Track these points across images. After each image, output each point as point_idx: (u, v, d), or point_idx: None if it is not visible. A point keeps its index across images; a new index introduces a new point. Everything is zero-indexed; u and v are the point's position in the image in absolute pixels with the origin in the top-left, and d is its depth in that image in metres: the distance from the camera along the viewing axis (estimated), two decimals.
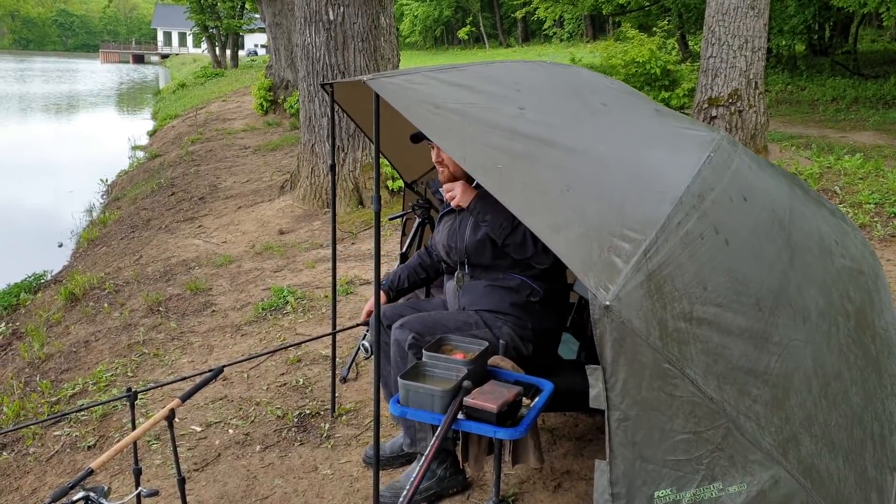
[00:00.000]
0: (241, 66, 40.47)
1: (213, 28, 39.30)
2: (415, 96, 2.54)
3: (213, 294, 5.82)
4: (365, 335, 3.66)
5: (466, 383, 2.45)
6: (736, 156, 2.70)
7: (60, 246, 9.82)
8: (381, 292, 3.31)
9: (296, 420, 3.81)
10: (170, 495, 3.21)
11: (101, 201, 12.61)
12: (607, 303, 2.11)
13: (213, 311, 5.47)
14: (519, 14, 34.17)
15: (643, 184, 2.42)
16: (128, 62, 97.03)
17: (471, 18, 50.36)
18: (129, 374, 4.58)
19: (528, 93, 2.66)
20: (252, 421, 3.84)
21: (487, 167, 2.35)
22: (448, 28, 55.63)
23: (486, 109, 2.52)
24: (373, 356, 3.16)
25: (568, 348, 3.65)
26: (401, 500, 2.31)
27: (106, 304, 5.97)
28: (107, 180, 14.19)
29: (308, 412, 3.87)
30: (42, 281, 7.69)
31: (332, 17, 7.54)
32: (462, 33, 48.38)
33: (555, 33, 43.36)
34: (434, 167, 4.55)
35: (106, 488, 2.36)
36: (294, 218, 7.63)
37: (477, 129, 2.45)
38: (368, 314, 3.37)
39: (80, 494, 2.30)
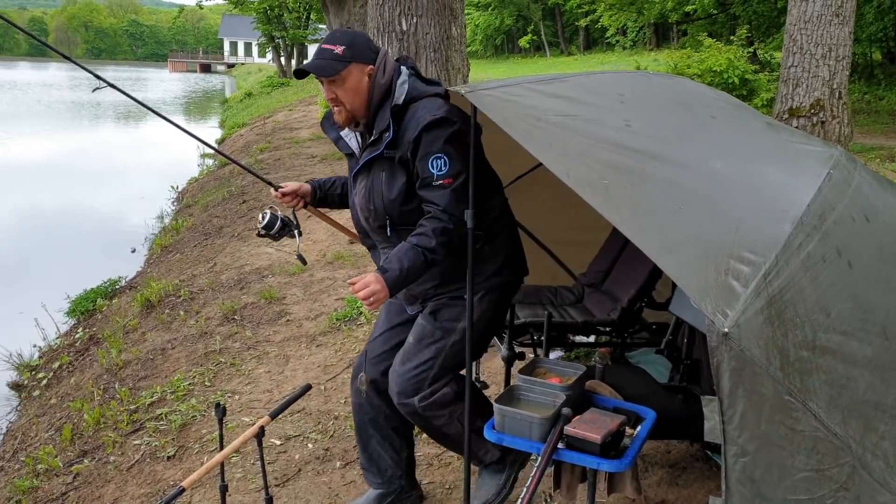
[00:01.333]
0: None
1: (278, 38, 39.96)
2: (514, 109, 2.44)
3: (287, 303, 5.81)
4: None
5: (566, 410, 2.33)
6: (856, 173, 2.53)
7: (133, 251, 9.99)
8: (309, 185, 3.01)
9: None
10: None
11: (173, 208, 12.83)
12: (726, 330, 1.98)
13: (288, 320, 5.46)
14: (582, 22, 33.93)
15: (761, 202, 2.27)
16: (195, 71, 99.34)
17: (532, 27, 50.17)
18: (207, 383, 4.58)
19: (632, 104, 2.54)
20: (331, 436, 3.79)
21: (593, 183, 2.23)
22: (509, 37, 55.56)
23: (590, 122, 2.41)
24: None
25: (658, 371, 3.50)
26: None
27: (181, 312, 6.02)
28: (177, 187, 14.44)
29: None
30: (117, 286, 7.82)
31: (404, 28, 7.50)
32: (523, 42, 48.25)
33: (617, 41, 42.89)
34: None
35: None
36: None
37: (580, 143, 2.34)
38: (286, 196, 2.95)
39: None
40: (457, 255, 2.59)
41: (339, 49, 2.63)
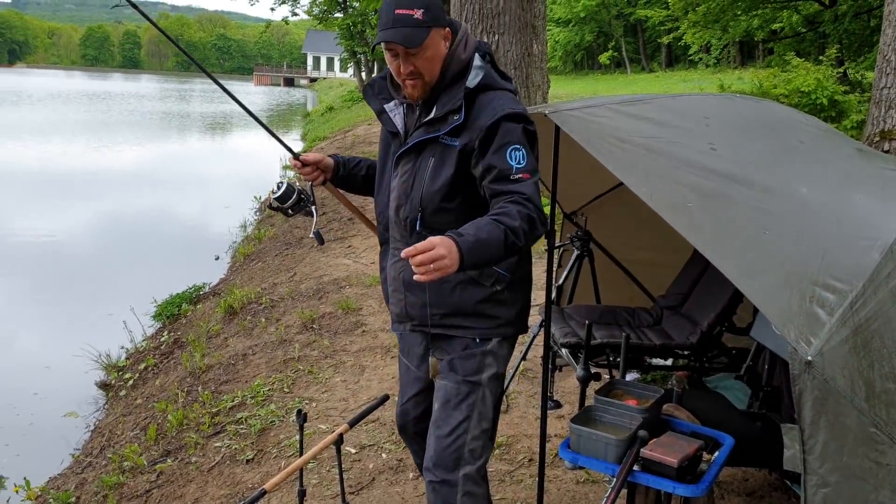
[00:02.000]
0: None
1: (360, 54, 40.70)
2: (598, 129, 2.46)
3: (363, 314, 5.92)
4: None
5: (642, 433, 2.33)
6: None
7: (217, 259, 10.32)
8: (332, 160, 2.68)
9: None
10: None
11: (255, 217, 13.19)
12: (809, 358, 1.95)
13: (364, 330, 5.56)
14: (665, 40, 33.46)
15: (848, 229, 2.24)
16: (279, 85, 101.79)
17: (613, 43, 49.77)
18: (286, 389, 4.70)
19: (718, 128, 2.53)
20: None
21: (676, 206, 2.24)
22: (589, 53, 55.25)
23: (675, 144, 2.42)
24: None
25: (737, 397, 3.45)
26: None
27: (263, 319, 6.20)
28: (260, 197, 14.82)
29: None
30: (201, 292, 8.09)
31: None
32: (603, 58, 47.87)
33: (700, 59, 42.17)
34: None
35: None
36: None
37: (664, 165, 2.35)
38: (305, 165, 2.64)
39: None
40: (474, 286, 2.37)
41: (417, 13, 2.27)
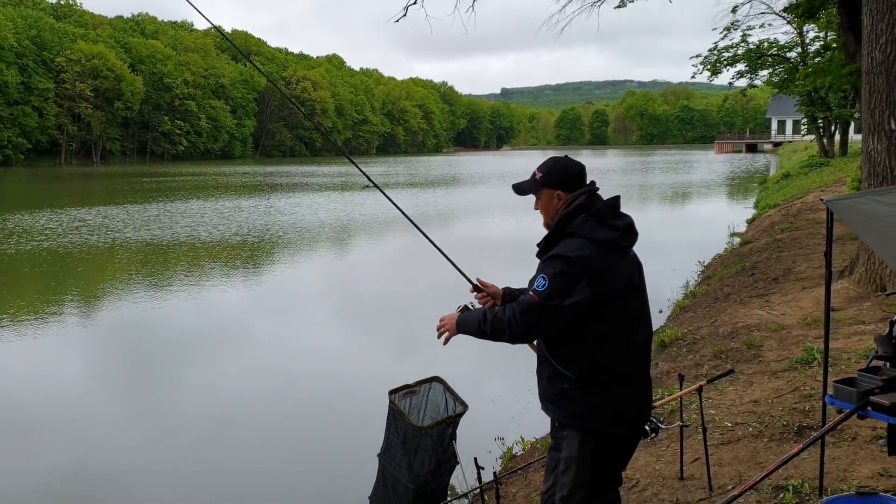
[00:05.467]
0: (851, 152, 40.08)
1: (821, 118, 39.96)
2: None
3: (763, 350, 7.55)
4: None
5: (877, 391, 3.87)
6: None
7: (661, 312, 12.47)
8: (502, 290, 3.52)
9: None
10: None
11: (696, 279, 15.10)
12: None
13: (760, 360, 7.22)
14: None
15: None
16: (740, 151, 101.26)
17: None
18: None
19: None
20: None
21: None
22: None
23: None
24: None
25: None
26: None
27: (684, 350, 8.19)
28: (703, 262, 16.68)
29: None
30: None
31: (893, 127, 8.65)
32: None
33: None
34: None
35: None
36: (847, 298, 8.84)
37: None
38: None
39: None
40: (553, 380, 3.16)
41: (538, 175, 3.25)
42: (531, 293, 3.03)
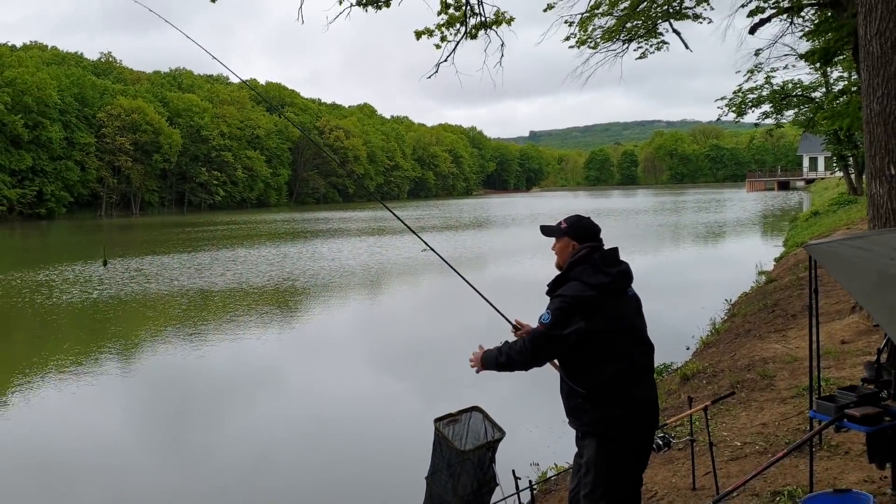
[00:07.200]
0: None
1: (849, 156, 40.38)
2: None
3: (776, 379, 8.23)
4: None
5: (851, 404, 4.60)
6: None
7: (687, 349, 13.12)
8: None
9: None
10: None
11: (722, 317, 15.71)
12: None
13: (771, 388, 7.90)
14: None
15: None
16: (772, 189, 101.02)
17: None
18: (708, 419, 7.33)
19: None
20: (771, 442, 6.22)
21: None
22: None
23: None
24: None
25: None
26: None
27: (704, 381, 8.89)
28: (730, 300, 17.29)
29: None
30: (670, 368, 11.01)
31: (892, 173, 9.35)
32: None
33: None
34: None
35: None
36: (857, 332, 9.48)
37: None
38: None
39: None
40: (570, 396, 3.86)
41: (564, 224, 4.00)
42: (538, 324, 3.79)
